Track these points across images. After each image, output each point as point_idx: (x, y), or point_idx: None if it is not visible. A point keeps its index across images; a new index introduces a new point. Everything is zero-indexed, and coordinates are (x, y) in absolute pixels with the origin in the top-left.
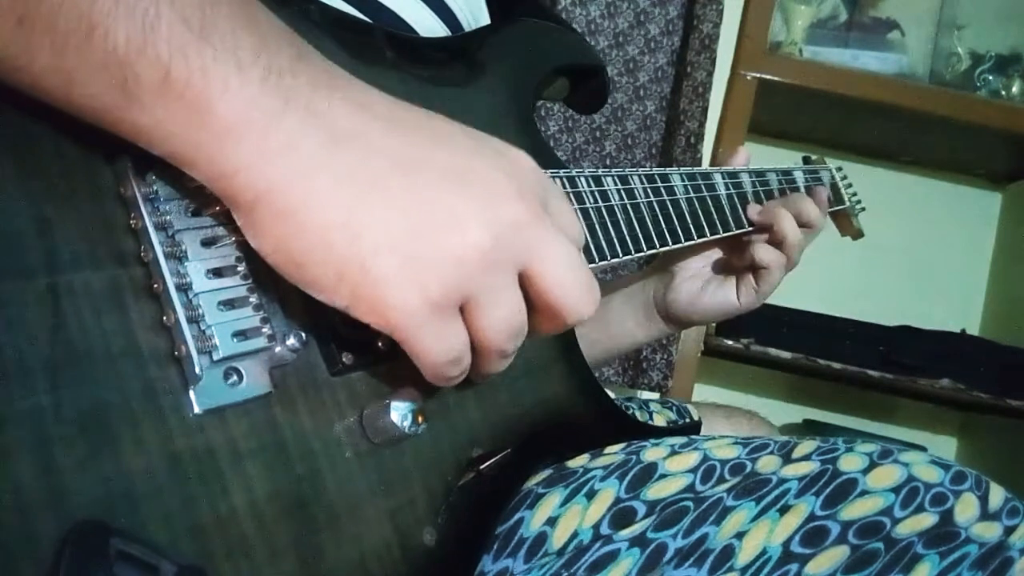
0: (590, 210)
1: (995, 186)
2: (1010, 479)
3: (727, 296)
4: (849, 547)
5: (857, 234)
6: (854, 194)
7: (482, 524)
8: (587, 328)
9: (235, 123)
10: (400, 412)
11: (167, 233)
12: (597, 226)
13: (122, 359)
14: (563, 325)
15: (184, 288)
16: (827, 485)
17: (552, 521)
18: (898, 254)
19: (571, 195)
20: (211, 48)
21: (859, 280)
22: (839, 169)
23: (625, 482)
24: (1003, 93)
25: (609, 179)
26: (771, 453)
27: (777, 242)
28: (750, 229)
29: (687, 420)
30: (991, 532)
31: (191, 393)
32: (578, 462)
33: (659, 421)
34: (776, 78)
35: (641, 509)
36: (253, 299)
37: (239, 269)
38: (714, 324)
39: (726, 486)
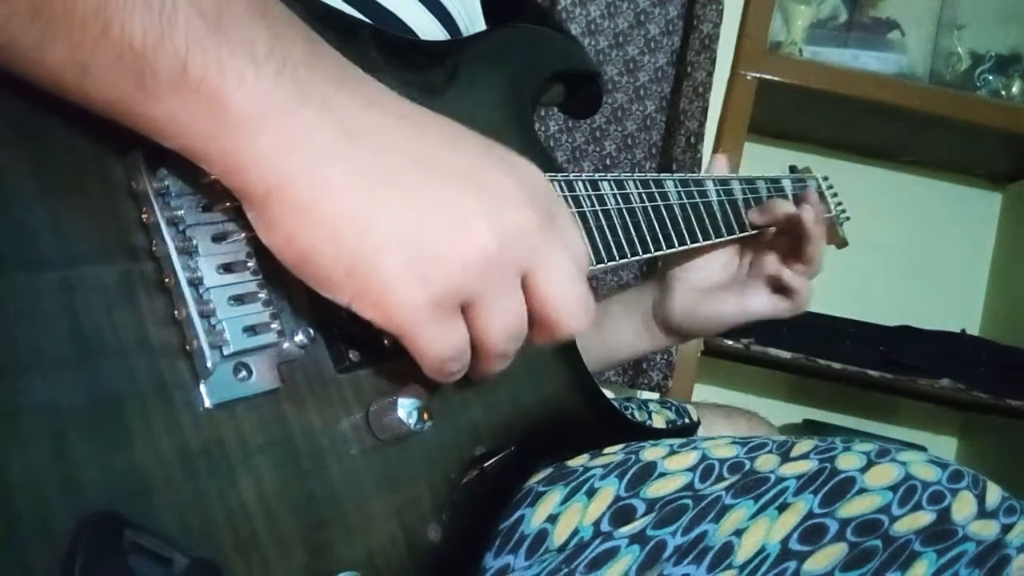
0: (587, 214)
1: (995, 186)
2: (1010, 479)
3: (725, 308)
4: (847, 544)
5: (841, 243)
6: (839, 203)
7: (485, 521)
8: (585, 338)
9: (250, 116)
10: (406, 409)
11: (178, 228)
12: (595, 230)
13: (134, 353)
14: (555, 337)
15: (195, 283)
16: (825, 483)
17: (553, 518)
18: (898, 254)
19: (569, 199)
20: (227, 41)
21: (859, 280)
22: (825, 178)
23: (625, 480)
24: (1003, 93)
25: (606, 183)
26: (769, 452)
27: (803, 256)
28: (742, 235)
29: (686, 420)
30: (988, 530)
31: (202, 387)
32: (578, 461)
33: (658, 421)
34: (776, 78)
35: (640, 507)
36: (263, 295)
37: (249, 265)
38: None
39: (725, 484)
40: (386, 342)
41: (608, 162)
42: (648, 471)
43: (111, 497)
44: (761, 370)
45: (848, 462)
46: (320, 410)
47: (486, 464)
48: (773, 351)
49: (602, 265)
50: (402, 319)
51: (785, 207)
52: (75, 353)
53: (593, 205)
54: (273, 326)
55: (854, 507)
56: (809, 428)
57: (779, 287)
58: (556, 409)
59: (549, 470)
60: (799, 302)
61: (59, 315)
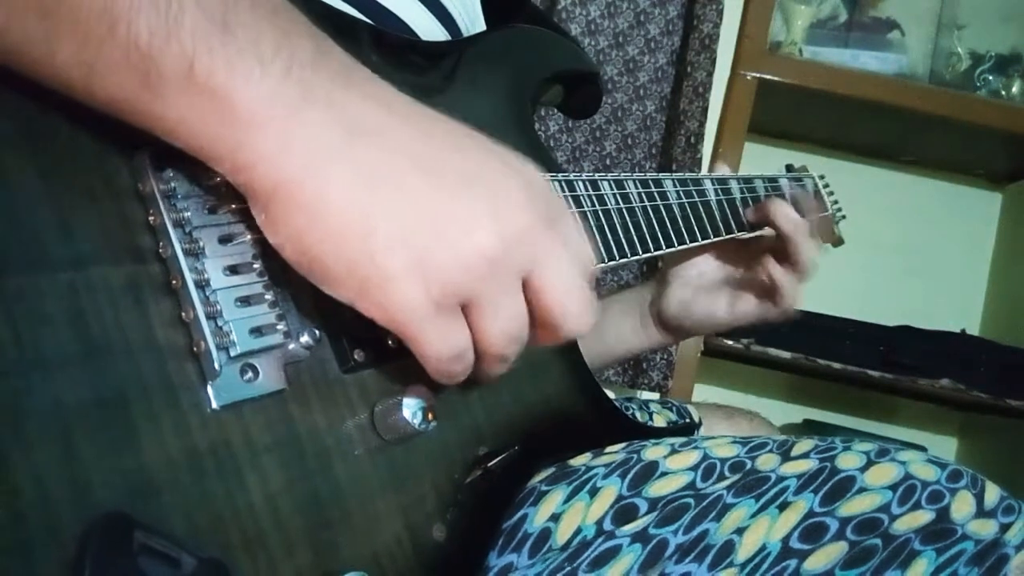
0: (587, 214)
1: (995, 186)
2: (1010, 479)
3: (716, 307)
4: (847, 543)
5: (837, 241)
6: (835, 202)
7: (489, 520)
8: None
9: (257, 115)
10: (411, 409)
11: (185, 230)
12: (595, 230)
13: (141, 354)
14: (557, 339)
15: (202, 284)
16: (825, 482)
17: (555, 517)
18: (898, 254)
19: (569, 199)
20: (234, 41)
21: (859, 280)
22: (822, 177)
23: (627, 480)
24: (1003, 93)
25: (605, 183)
26: (770, 451)
27: (783, 245)
28: (740, 235)
29: (687, 420)
30: (987, 529)
31: (209, 389)
32: (580, 460)
33: (659, 421)
34: (776, 78)
35: (643, 506)
36: (269, 296)
37: (255, 266)
38: None
39: (726, 483)
40: (390, 342)
41: (608, 162)
42: (650, 470)
43: (119, 498)
44: (761, 370)
45: (848, 461)
46: (326, 410)
47: (490, 464)
48: (773, 351)
49: (602, 265)
50: (403, 318)
51: (775, 209)
52: (82, 354)
53: (593, 205)
54: (279, 327)
55: (854, 506)
56: (809, 428)
57: (769, 290)
58: (558, 409)
59: (552, 469)
60: (784, 304)
61: (66, 317)
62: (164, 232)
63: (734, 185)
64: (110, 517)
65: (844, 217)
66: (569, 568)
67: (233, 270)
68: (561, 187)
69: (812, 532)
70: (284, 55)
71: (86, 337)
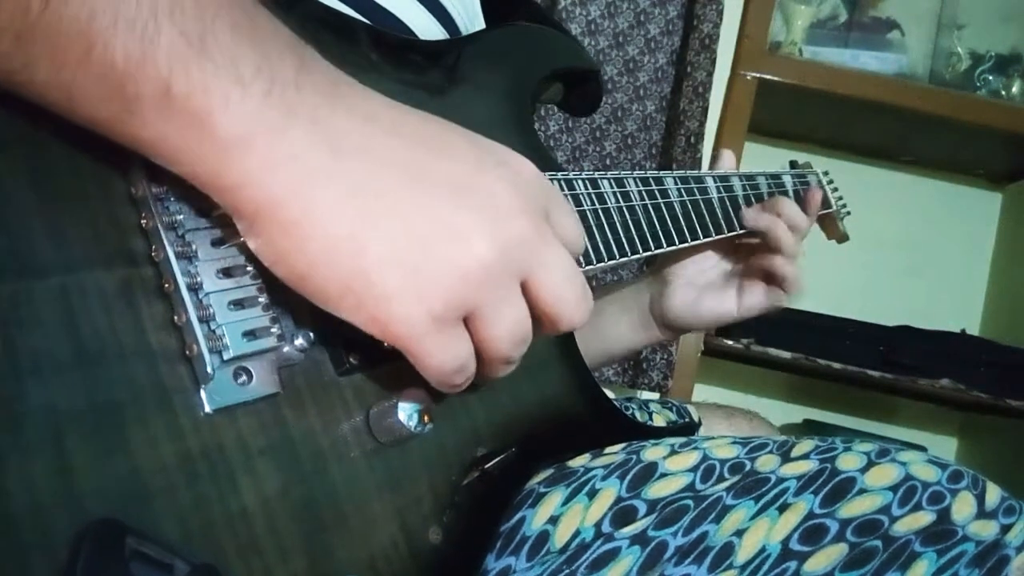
0: (587, 212)
1: (995, 186)
2: (1010, 479)
3: (724, 304)
4: (847, 545)
5: (842, 237)
6: (840, 198)
7: (486, 523)
8: (582, 334)
9: (238, 137)
10: (407, 412)
11: (177, 233)
12: (595, 228)
13: (134, 358)
14: (555, 332)
15: (195, 288)
16: (825, 484)
17: (554, 520)
18: (898, 254)
19: (568, 198)
20: (211, 63)
21: (859, 280)
22: (825, 173)
23: (626, 481)
24: (1003, 93)
25: (605, 182)
26: (770, 452)
27: (773, 247)
28: (742, 232)
29: (686, 420)
30: (987, 530)
31: (202, 392)
32: (579, 462)
33: (659, 421)
34: (776, 78)
35: (642, 508)
36: (262, 299)
37: (248, 269)
38: None
39: (725, 485)
40: (386, 345)
41: (608, 162)
42: (649, 472)
43: (112, 504)
44: (761, 370)
45: (848, 462)
46: (320, 413)
47: (487, 465)
48: (773, 351)
49: (602, 264)
50: (402, 333)
51: (780, 207)
52: (74, 359)
53: (593, 204)
54: (273, 330)
55: (854, 507)
56: (809, 428)
57: (771, 278)
58: (557, 409)
59: (550, 471)
60: (789, 287)
61: (58, 321)
62: (157, 235)
63: (736, 182)
64: (102, 523)
65: (849, 213)
66: (568, 571)
67: (226, 273)
68: (560, 186)
69: (812, 534)
70: (264, 76)
71: (78, 341)
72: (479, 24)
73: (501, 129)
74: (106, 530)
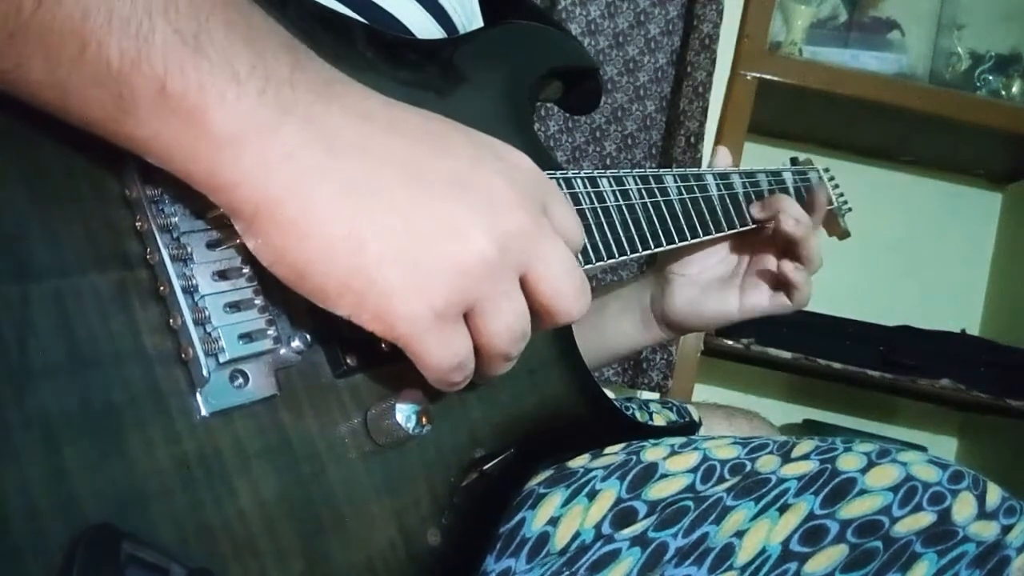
0: (586, 211)
1: (995, 186)
2: (1010, 479)
3: (725, 304)
4: (848, 546)
5: (843, 234)
6: (841, 194)
7: (485, 524)
8: (583, 333)
9: (233, 136)
10: (404, 413)
11: (172, 235)
12: (594, 227)
13: (129, 362)
14: (554, 325)
15: (190, 290)
16: (826, 484)
17: (554, 521)
18: (898, 254)
19: (567, 196)
20: (207, 61)
21: (859, 280)
22: (826, 170)
23: (626, 482)
24: (1003, 93)
25: (604, 180)
26: (770, 453)
27: (781, 239)
28: (743, 229)
29: (686, 420)
30: (988, 531)
31: (198, 396)
32: (579, 462)
33: (659, 421)
34: (776, 78)
35: (642, 509)
36: (258, 301)
37: (244, 271)
38: None
39: (726, 486)
40: (384, 346)
41: (608, 162)
42: (649, 472)
43: (107, 508)
44: (761, 370)
45: (849, 463)
46: (318, 416)
47: (486, 467)
48: (773, 351)
49: (602, 263)
50: (404, 330)
51: (781, 205)
52: (69, 363)
53: (592, 203)
54: (269, 332)
55: (855, 508)
56: (809, 428)
57: (779, 283)
58: (556, 409)
59: (550, 471)
60: (800, 298)
61: (53, 325)
62: (151, 238)
63: (736, 179)
64: (97, 528)
65: (850, 210)
66: (568, 572)
67: (222, 275)
68: (559, 185)
69: (812, 535)
70: (259, 74)
71: (73, 345)
72: (477, 23)
73: (500, 128)
74: (102, 535)
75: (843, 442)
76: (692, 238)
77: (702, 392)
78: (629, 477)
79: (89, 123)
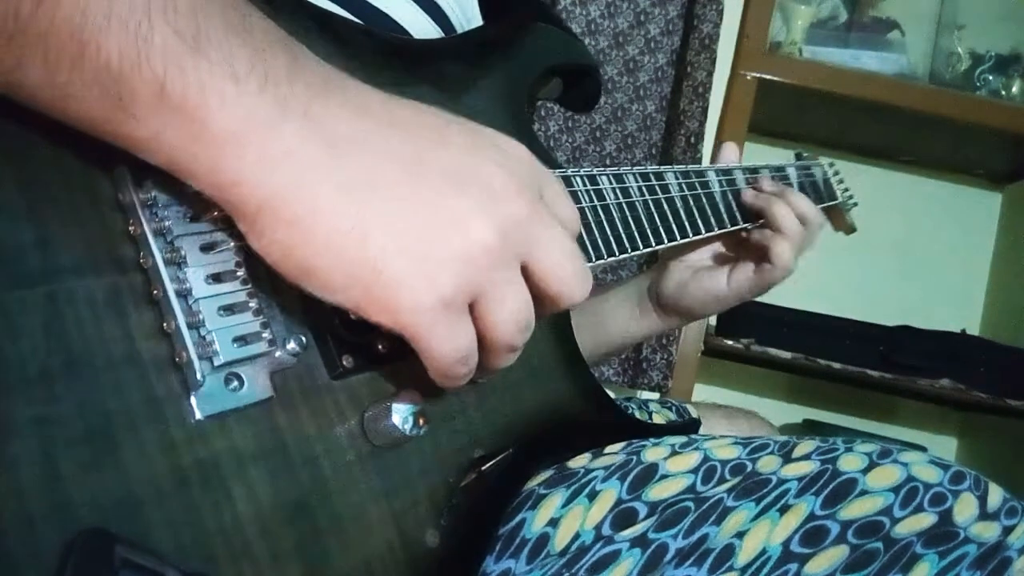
0: (586, 209)
1: (995, 186)
2: (1010, 479)
3: (714, 281)
4: (848, 547)
5: (849, 229)
6: (846, 189)
7: (484, 525)
8: (583, 326)
9: (234, 134)
10: (401, 414)
11: (166, 239)
12: (593, 225)
13: (123, 366)
14: (556, 310)
15: (184, 294)
16: (827, 485)
17: (554, 522)
18: (898, 254)
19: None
20: (206, 60)
21: (859, 280)
22: (831, 165)
23: (626, 483)
24: (1003, 93)
25: (604, 178)
26: (771, 453)
27: (774, 226)
28: (745, 226)
29: (687, 419)
30: (990, 532)
31: (192, 399)
32: (579, 462)
33: (658, 421)
34: (776, 78)
35: (642, 510)
36: (253, 304)
37: (239, 274)
38: (714, 325)
39: (726, 486)
40: (380, 347)
41: (608, 162)
42: (650, 473)
43: (101, 514)
44: (761, 370)
45: (850, 463)
46: (314, 418)
47: (484, 467)
48: (773, 351)
49: (602, 261)
50: (412, 321)
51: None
52: (63, 368)
53: (592, 200)
54: (264, 335)
55: (855, 509)
56: (809, 428)
57: (762, 258)
58: (555, 409)
59: (550, 472)
60: (781, 263)
61: (46, 330)
62: (145, 242)
63: (739, 175)
64: (91, 533)
65: (856, 204)
66: (568, 573)
67: (216, 278)
68: None
69: (813, 536)
70: (258, 72)
71: (67, 350)
72: (476, 21)
73: (498, 127)
74: (95, 540)
75: (844, 442)
76: (694, 235)
77: (702, 392)
78: (630, 478)
79: (89, 124)
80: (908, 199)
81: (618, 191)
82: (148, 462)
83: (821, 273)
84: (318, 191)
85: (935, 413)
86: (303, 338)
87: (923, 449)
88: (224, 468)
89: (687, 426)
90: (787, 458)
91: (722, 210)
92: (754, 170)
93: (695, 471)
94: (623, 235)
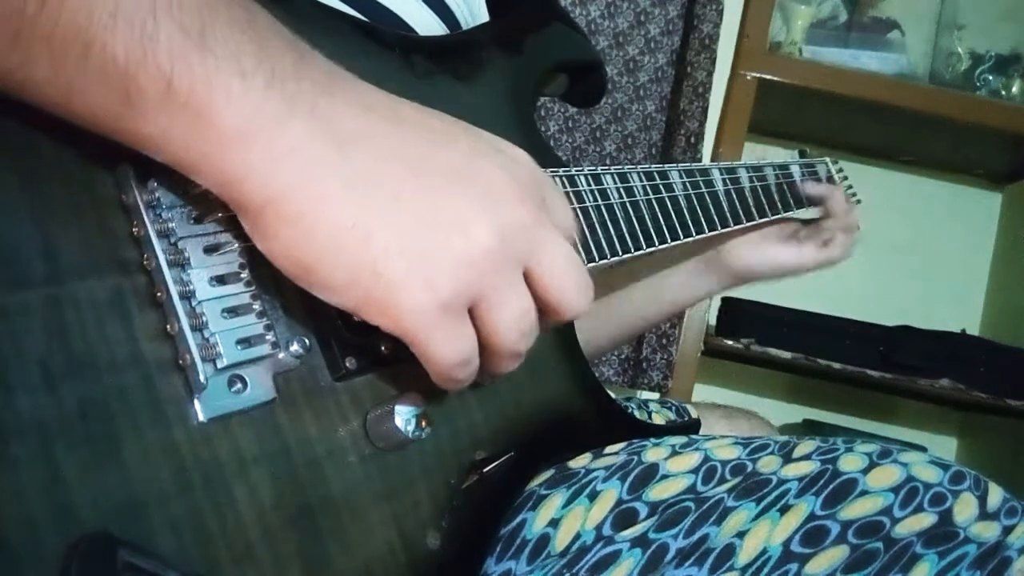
0: (590, 208)
1: (995, 186)
2: (1010, 479)
3: (784, 252)
4: (848, 547)
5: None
6: (849, 187)
7: (485, 526)
8: (633, 291)
9: (240, 130)
10: (404, 416)
11: (169, 240)
12: (597, 224)
13: (126, 368)
14: (558, 322)
15: (187, 296)
16: (827, 485)
17: (555, 522)
18: (898, 254)
19: (570, 194)
20: (212, 56)
21: (859, 280)
22: (835, 162)
23: (627, 483)
24: (1003, 93)
25: (608, 177)
26: (771, 453)
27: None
28: (749, 224)
29: (687, 419)
30: (989, 532)
31: (196, 402)
32: (580, 463)
33: (658, 421)
34: (776, 78)
35: (643, 510)
36: (256, 306)
37: (242, 276)
38: (714, 325)
39: (727, 486)
40: (383, 348)
41: (608, 162)
42: (650, 473)
43: (103, 517)
44: (761, 370)
45: (850, 463)
46: (317, 419)
47: (486, 469)
48: (773, 351)
49: (604, 261)
50: (410, 323)
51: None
52: (65, 370)
53: (596, 200)
54: (268, 337)
55: (856, 509)
56: (809, 428)
57: (826, 242)
58: (557, 410)
59: (551, 472)
60: (844, 253)
61: (49, 332)
62: (148, 243)
63: (743, 174)
64: (94, 536)
65: (859, 202)
66: (568, 574)
67: (219, 280)
68: (563, 183)
69: (813, 536)
70: (265, 68)
71: (70, 352)
72: (482, 17)
73: (503, 124)
74: (98, 543)
75: (844, 442)
76: (698, 234)
77: (702, 392)
78: (630, 478)
79: (94, 122)
80: (908, 199)
81: (622, 190)
82: (151, 464)
83: (821, 273)
84: (322, 187)
85: (935, 413)
86: (306, 340)
87: (923, 449)
88: (227, 470)
89: (687, 426)
90: (787, 458)
91: (725, 209)
92: (758, 168)
93: (695, 471)
94: (626, 234)
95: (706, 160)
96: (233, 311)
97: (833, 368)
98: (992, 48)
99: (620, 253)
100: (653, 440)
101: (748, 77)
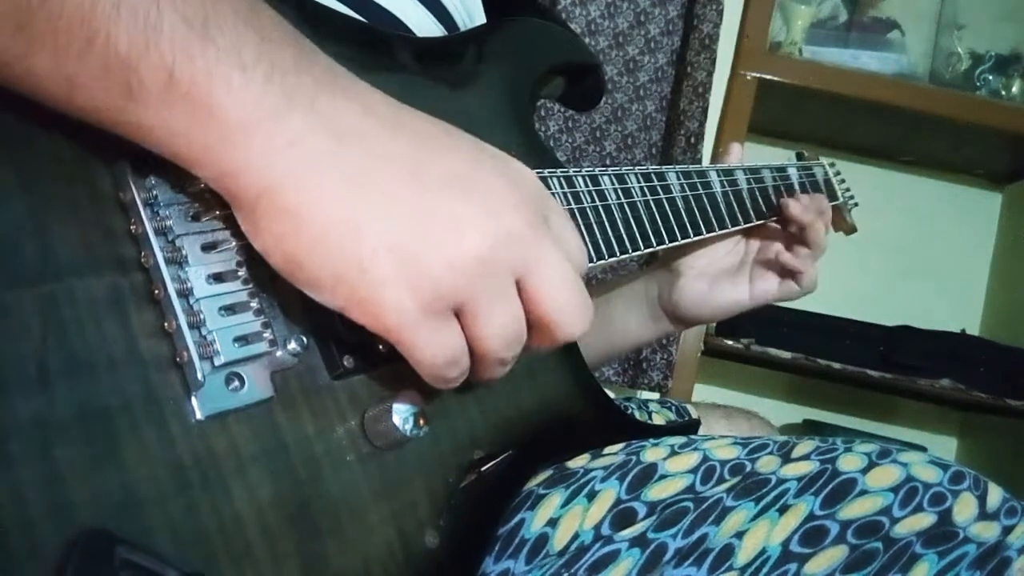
0: (587, 209)
1: (995, 186)
2: (1010, 479)
3: (736, 292)
4: (848, 547)
5: (850, 229)
6: (847, 189)
7: (484, 525)
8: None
9: (239, 122)
10: (402, 415)
11: (167, 238)
12: (595, 225)
13: (124, 366)
14: (553, 342)
15: (185, 294)
16: (826, 485)
17: (553, 522)
18: (898, 254)
19: (568, 195)
20: (214, 48)
21: (859, 280)
22: (832, 164)
23: (626, 483)
24: (1003, 93)
25: (606, 178)
26: (770, 453)
27: (807, 241)
28: (747, 225)
29: (687, 419)
30: (989, 532)
31: (193, 399)
32: (578, 462)
33: (658, 421)
34: (776, 78)
35: (642, 510)
36: (254, 304)
37: (240, 274)
38: (714, 324)
39: (726, 486)
40: (381, 347)
41: (608, 162)
42: (649, 473)
43: (102, 513)
44: (761, 370)
45: (849, 463)
46: (315, 418)
47: (484, 468)
48: (773, 351)
49: (603, 262)
50: (393, 323)
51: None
52: (63, 368)
53: (593, 201)
54: (265, 335)
55: (855, 509)
56: (809, 428)
57: (786, 271)
58: (556, 409)
59: (550, 472)
60: (808, 283)
61: (46, 330)
62: (146, 241)
63: (740, 175)
64: (91, 533)
65: (856, 205)
66: (567, 574)
67: (217, 278)
68: (560, 183)
69: (812, 535)
70: (266, 61)
71: (67, 350)
72: (479, 19)
73: (501, 126)
74: (95, 540)
75: (843, 442)
76: (695, 235)
77: (702, 392)
78: (629, 478)
79: (95, 114)
80: (908, 199)
81: (620, 191)
82: (149, 462)
83: (821, 273)
84: (318, 182)
85: (935, 413)
86: (304, 338)
87: (923, 449)
88: (224, 468)
89: (687, 426)
90: (786, 458)
91: (723, 211)
92: (755, 170)
93: (694, 471)
94: (624, 235)
95: (706, 160)
96: (230, 309)
97: (833, 368)
98: (992, 48)
99: (618, 254)
100: (652, 440)
101: (748, 77)
